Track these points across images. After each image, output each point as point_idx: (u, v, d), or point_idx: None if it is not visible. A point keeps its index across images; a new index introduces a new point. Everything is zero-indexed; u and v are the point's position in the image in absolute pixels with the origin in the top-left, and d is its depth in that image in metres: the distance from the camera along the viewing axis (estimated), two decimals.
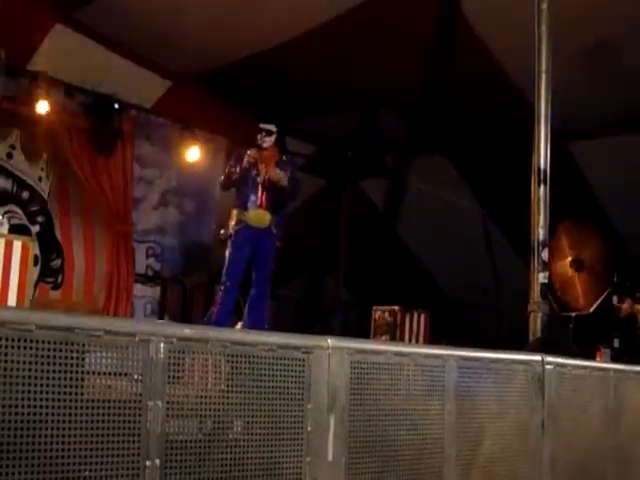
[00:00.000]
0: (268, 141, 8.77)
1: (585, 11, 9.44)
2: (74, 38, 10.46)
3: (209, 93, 12.26)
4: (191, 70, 11.68)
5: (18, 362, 3.17)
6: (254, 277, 8.76)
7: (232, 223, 8.70)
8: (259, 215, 8.64)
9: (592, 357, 9.25)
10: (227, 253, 8.67)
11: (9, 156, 10.82)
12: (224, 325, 8.15)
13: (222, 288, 8.67)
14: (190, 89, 12.03)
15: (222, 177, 9.11)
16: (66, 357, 3.31)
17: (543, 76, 7.74)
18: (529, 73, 7.85)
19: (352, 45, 10.78)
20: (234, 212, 8.73)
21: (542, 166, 7.67)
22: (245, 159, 8.64)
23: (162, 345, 3.65)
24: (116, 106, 11.44)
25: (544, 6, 7.74)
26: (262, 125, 8.78)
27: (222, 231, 8.82)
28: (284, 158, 8.98)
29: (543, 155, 7.68)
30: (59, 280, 11.40)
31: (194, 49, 11.08)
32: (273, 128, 8.78)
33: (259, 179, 8.68)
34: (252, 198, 8.67)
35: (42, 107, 10.46)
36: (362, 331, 12.38)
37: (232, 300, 8.69)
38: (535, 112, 7.74)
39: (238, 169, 8.72)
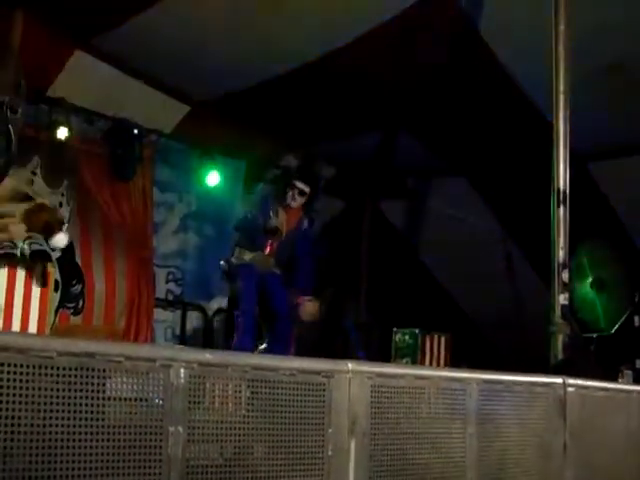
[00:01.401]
0: (299, 201, 8.56)
1: (602, 30, 9.43)
2: (93, 64, 10.53)
3: (228, 117, 12.29)
4: (210, 95, 11.72)
5: (39, 389, 3.18)
6: (275, 304, 8.71)
7: (236, 259, 8.59)
8: (265, 259, 8.57)
9: (614, 379, 9.19)
10: (238, 283, 8.61)
11: (30, 182, 10.86)
12: (246, 350, 8.12)
13: (239, 314, 8.63)
14: (209, 114, 12.08)
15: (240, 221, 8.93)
16: (87, 383, 3.32)
17: (561, 96, 7.73)
18: (548, 93, 7.84)
19: (370, 67, 10.80)
20: (238, 250, 8.61)
21: (561, 187, 7.65)
22: (272, 223, 8.46)
23: (183, 370, 3.66)
24: (135, 131, 11.50)
25: (561, 27, 7.75)
26: (298, 183, 8.56)
27: (222, 262, 8.72)
28: (305, 225, 8.81)
29: (562, 176, 7.67)
30: (80, 305, 11.42)
31: (212, 74, 11.12)
32: (307, 189, 8.61)
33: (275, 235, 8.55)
34: (260, 243, 8.54)
35: (62, 133, 10.53)
36: (383, 354, 12.34)
37: (252, 324, 8.63)
38: (554, 132, 7.73)
39: (260, 220, 8.54)
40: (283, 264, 8.73)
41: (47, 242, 7.02)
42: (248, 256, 8.46)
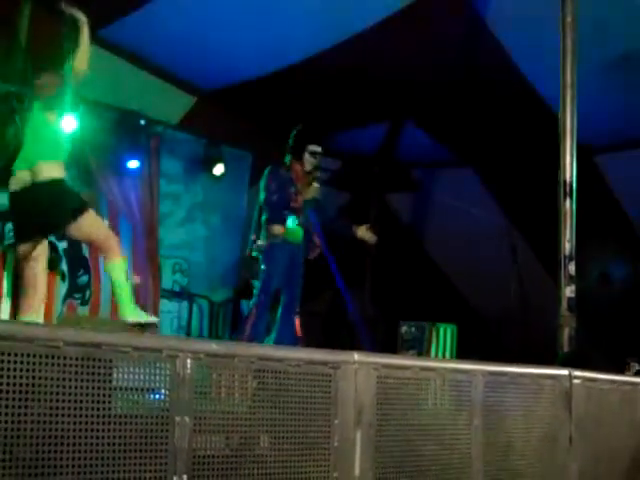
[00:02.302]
0: (312, 163, 8.68)
1: (610, 23, 9.41)
2: (100, 55, 10.52)
3: (234, 108, 12.29)
4: (216, 86, 11.72)
5: (46, 378, 3.18)
6: (286, 293, 8.71)
7: (269, 237, 8.62)
8: (297, 231, 8.61)
9: (621, 371, 9.19)
10: (262, 267, 8.60)
11: None
12: (258, 341, 8.12)
13: (256, 303, 8.62)
14: (215, 105, 12.07)
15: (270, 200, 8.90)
16: (93, 373, 3.33)
17: (568, 89, 7.71)
18: (555, 86, 7.82)
19: (377, 59, 10.79)
20: (273, 227, 8.63)
21: (568, 179, 7.64)
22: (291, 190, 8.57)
23: (189, 361, 3.66)
24: (142, 122, 11.50)
25: (569, 19, 7.72)
26: (312, 147, 8.61)
27: (260, 242, 8.71)
28: (313, 187, 8.91)
29: (569, 168, 7.65)
30: (86, 296, 11.44)
31: (220, 65, 11.12)
32: (319, 149, 8.69)
33: (299, 199, 8.64)
34: (291, 215, 8.61)
35: (69, 124, 10.52)
36: (389, 346, 12.34)
37: (266, 315, 8.64)
38: (560, 125, 7.71)
39: (279, 195, 8.62)
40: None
41: None
42: (283, 232, 8.48)
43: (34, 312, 6.27)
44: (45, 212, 6.27)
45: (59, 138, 6.53)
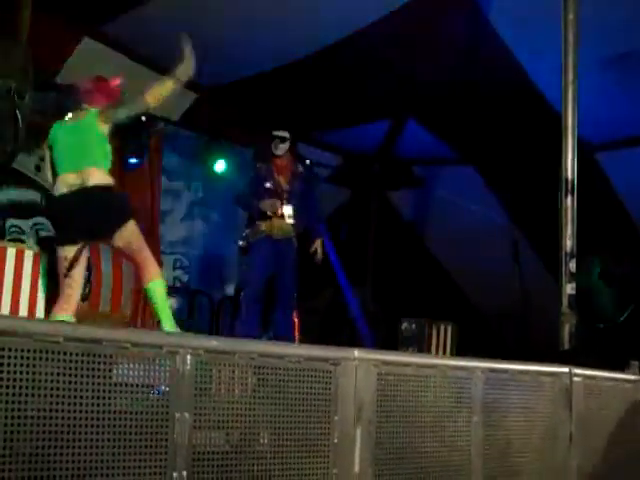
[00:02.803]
0: (282, 148, 8.78)
1: (612, 20, 9.40)
2: (102, 51, 10.52)
3: (235, 105, 12.29)
4: (217, 82, 11.71)
5: (46, 373, 3.18)
6: (280, 288, 8.73)
7: (253, 233, 8.69)
8: (282, 225, 8.64)
9: (621, 369, 9.18)
10: (248, 263, 8.68)
11: (37, 169, 10.87)
12: (251, 334, 8.15)
13: (244, 299, 8.68)
14: (216, 101, 12.07)
15: (240, 197, 9.10)
16: (93, 369, 3.33)
17: (570, 86, 7.71)
18: (557, 84, 7.83)
19: (379, 56, 10.79)
20: (252, 226, 8.72)
21: (569, 177, 7.64)
22: (256, 172, 8.71)
23: (189, 357, 3.66)
24: (143, 119, 11.49)
25: (571, 16, 7.72)
26: (275, 132, 8.79)
27: (241, 242, 8.79)
28: (299, 169, 9.02)
29: (570, 166, 7.66)
30: (86, 291, 11.43)
31: (221, 61, 11.11)
32: (286, 135, 8.79)
33: (279, 190, 8.71)
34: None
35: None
36: (389, 342, 12.34)
37: (256, 312, 8.67)
38: (562, 123, 7.71)
39: (258, 184, 8.75)
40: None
41: None
42: (263, 226, 8.53)
43: (71, 312, 6.39)
44: (93, 217, 6.41)
45: (107, 147, 6.62)
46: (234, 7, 9.85)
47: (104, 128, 6.57)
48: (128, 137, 11.41)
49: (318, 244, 8.93)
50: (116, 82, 7.01)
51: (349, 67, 10.99)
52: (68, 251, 6.35)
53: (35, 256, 8.47)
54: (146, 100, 6.76)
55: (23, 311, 8.23)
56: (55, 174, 6.56)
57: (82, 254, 6.49)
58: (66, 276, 6.40)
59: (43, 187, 10.97)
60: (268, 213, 8.59)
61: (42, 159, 10.84)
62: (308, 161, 11.49)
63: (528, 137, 12.05)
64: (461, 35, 10.58)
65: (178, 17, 9.95)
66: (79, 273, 6.51)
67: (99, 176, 6.40)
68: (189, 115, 12.11)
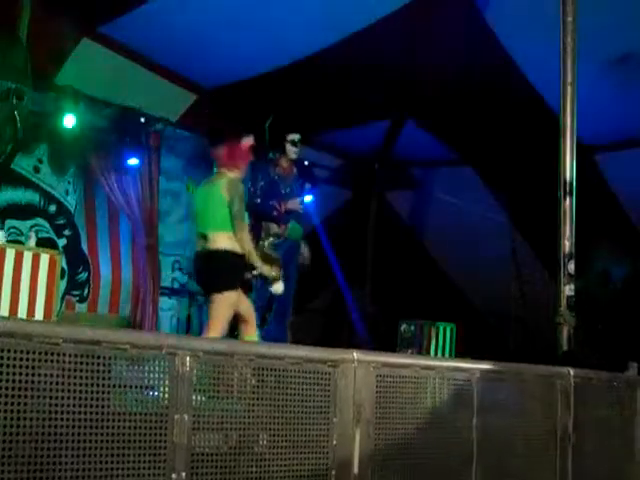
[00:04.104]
0: (296, 152, 8.79)
1: (611, 22, 9.40)
2: (101, 52, 10.52)
3: (234, 106, 12.29)
4: (216, 83, 11.72)
5: (45, 375, 3.18)
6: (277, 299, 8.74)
7: (270, 237, 8.68)
8: (296, 229, 8.68)
9: (620, 370, 9.19)
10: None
11: (36, 170, 10.87)
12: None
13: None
14: (216, 102, 12.07)
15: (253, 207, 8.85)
16: (92, 370, 3.33)
17: (568, 88, 7.71)
18: (555, 85, 7.82)
19: (377, 58, 10.79)
20: (271, 226, 8.69)
21: (568, 178, 7.64)
22: (292, 207, 8.66)
23: (188, 358, 3.66)
24: (142, 120, 11.49)
25: (569, 18, 7.72)
26: (291, 136, 8.75)
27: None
28: (294, 171, 9.00)
29: (569, 167, 7.65)
30: (85, 293, 11.44)
31: (220, 62, 11.11)
32: (297, 137, 8.80)
33: (282, 206, 8.70)
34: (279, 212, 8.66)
35: (69, 121, 10.51)
36: (388, 344, 12.35)
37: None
38: (560, 124, 7.71)
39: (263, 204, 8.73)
40: None
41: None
42: (284, 230, 8.57)
43: (253, 334, 7.27)
44: (205, 278, 7.21)
45: (234, 209, 7.05)
46: (233, 8, 9.85)
47: (231, 194, 7.02)
48: (126, 137, 11.41)
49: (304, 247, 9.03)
50: (247, 145, 7.38)
51: (348, 68, 10.98)
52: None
53: (51, 260, 8.50)
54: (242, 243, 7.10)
55: (39, 314, 8.25)
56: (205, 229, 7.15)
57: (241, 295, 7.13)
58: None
59: (42, 188, 10.97)
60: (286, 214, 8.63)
61: (40, 160, 10.89)
62: (307, 162, 11.47)
63: (527, 138, 12.04)
64: (459, 36, 10.58)
65: (176, 19, 9.97)
66: (244, 307, 7.20)
67: (221, 241, 6.96)
68: (188, 116, 12.11)
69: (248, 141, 7.35)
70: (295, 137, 8.77)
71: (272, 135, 8.88)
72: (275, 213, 8.66)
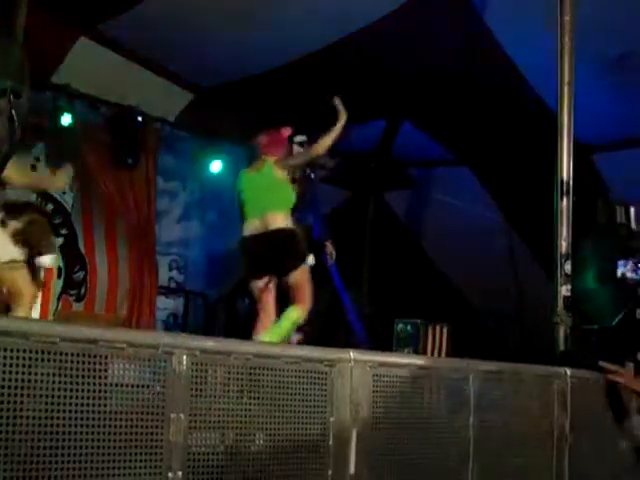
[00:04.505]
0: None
1: (609, 21, 9.41)
2: (98, 51, 10.52)
3: (231, 105, 12.29)
4: (214, 82, 11.72)
5: (42, 374, 3.18)
6: None
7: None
8: None
9: None
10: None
11: (33, 168, 10.87)
12: None
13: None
14: (213, 101, 12.07)
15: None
16: (89, 369, 3.33)
17: (566, 88, 7.70)
18: (553, 85, 7.83)
19: (374, 57, 10.79)
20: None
21: (565, 178, 7.64)
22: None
23: (185, 357, 3.66)
24: (139, 119, 11.49)
25: (567, 17, 7.72)
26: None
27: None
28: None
29: (566, 167, 7.65)
30: (82, 292, 11.44)
31: (216, 61, 11.12)
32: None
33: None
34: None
35: (66, 120, 10.52)
36: (385, 344, 12.35)
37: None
38: (558, 124, 7.71)
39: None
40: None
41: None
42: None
43: (267, 332, 7.23)
44: (276, 257, 7.35)
45: (287, 191, 7.52)
46: (230, 7, 9.85)
47: (282, 174, 7.46)
48: (124, 136, 11.41)
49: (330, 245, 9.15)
50: (287, 133, 7.85)
51: (344, 68, 10.98)
52: (256, 283, 7.31)
53: None
54: (316, 149, 7.66)
55: (35, 313, 8.23)
56: (243, 218, 7.49)
57: (269, 285, 7.39)
58: (258, 303, 7.38)
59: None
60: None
61: (38, 159, 10.89)
62: None
63: (524, 138, 12.05)
64: (457, 36, 10.59)
65: (174, 18, 9.97)
66: (268, 300, 7.42)
67: (279, 220, 7.29)
68: (185, 115, 12.12)
69: (286, 130, 7.83)
70: (302, 139, 8.81)
71: None
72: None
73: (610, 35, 9.66)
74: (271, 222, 7.28)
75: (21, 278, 6.57)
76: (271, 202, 7.36)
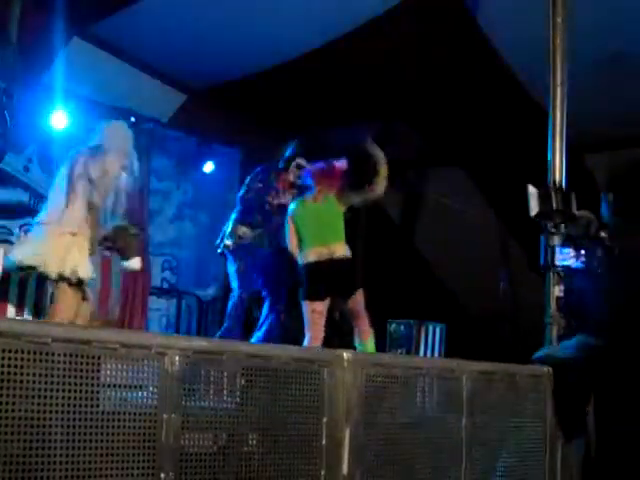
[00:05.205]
0: (297, 175, 8.85)
1: (602, 23, 9.42)
2: (91, 52, 10.50)
3: (225, 106, 12.28)
4: (207, 83, 11.71)
5: (34, 374, 3.18)
6: (270, 294, 8.80)
7: (237, 238, 8.76)
8: (261, 237, 8.73)
9: None
10: (237, 266, 8.72)
11: (26, 169, 10.84)
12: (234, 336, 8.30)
13: (235, 300, 8.75)
14: (206, 102, 12.06)
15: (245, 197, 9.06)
16: (82, 370, 3.32)
17: (558, 89, 7.73)
18: (545, 85, 7.84)
19: (367, 58, 10.79)
20: (239, 227, 8.77)
21: (557, 179, 7.65)
22: (282, 200, 8.72)
23: (177, 358, 3.65)
24: (132, 119, 11.47)
25: (559, 19, 7.74)
26: (299, 161, 8.84)
27: (227, 242, 8.85)
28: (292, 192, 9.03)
29: (558, 168, 7.67)
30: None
31: (210, 63, 11.11)
32: (304, 163, 8.85)
33: (274, 203, 8.76)
34: (263, 219, 8.72)
35: (59, 120, 10.49)
36: (378, 344, 12.33)
37: (238, 317, 8.77)
38: (550, 125, 7.73)
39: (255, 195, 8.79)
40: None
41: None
42: (249, 234, 8.68)
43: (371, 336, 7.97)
44: (340, 283, 7.89)
45: (343, 224, 7.98)
46: (224, 8, 9.85)
47: (342, 208, 7.92)
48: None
49: None
50: (342, 167, 8.06)
51: (338, 69, 10.98)
52: (317, 305, 7.74)
53: None
54: (375, 192, 7.92)
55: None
56: (301, 244, 7.84)
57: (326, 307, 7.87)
58: (312, 325, 7.77)
59: (32, 187, 10.94)
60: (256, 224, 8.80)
61: (30, 159, 10.86)
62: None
63: (517, 139, 12.06)
64: (451, 38, 10.59)
65: (167, 19, 9.97)
66: (320, 323, 7.86)
67: (341, 249, 7.80)
68: (178, 116, 12.10)
69: (343, 164, 8.04)
70: (302, 162, 8.84)
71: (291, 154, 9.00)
72: (267, 207, 8.78)
73: (602, 36, 9.67)
74: (336, 250, 7.74)
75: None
76: (335, 233, 7.83)
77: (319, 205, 7.93)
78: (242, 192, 8.98)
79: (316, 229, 7.89)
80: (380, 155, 8.01)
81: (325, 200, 7.90)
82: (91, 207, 6.95)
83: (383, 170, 7.93)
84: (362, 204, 8.41)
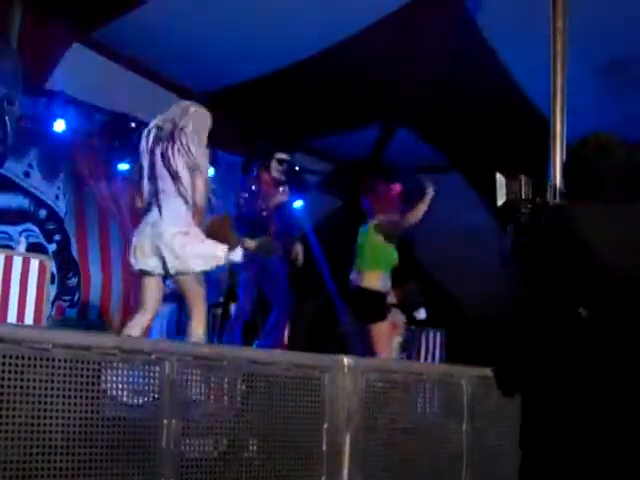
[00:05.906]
0: (280, 170, 8.80)
1: (603, 27, 9.41)
2: (92, 57, 10.50)
3: (225, 111, 12.27)
4: (208, 88, 11.71)
5: (35, 380, 3.17)
6: (275, 304, 8.78)
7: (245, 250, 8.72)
8: (269, 243, 8.64)
9: None
10: (243, 275, 8.69)
11: (26, 175, 10.85)
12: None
13: (236, 312, 8.75)
14: (207, 107, 12.04)
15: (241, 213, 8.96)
16: (82, 375, 3.32)
17: (558, 94, 7.71)
18: (546, 91, 7.83)
19: (369, 63, 10.79)
20: (245, 240, 8.70)
21: (557, 184, 7.64)
22: (278, 199, 8.68)
23: (178, 364, 3.65)
24: (133, 124, 11.46)
25: (559, 23, 7.72)
26: (280, 155, 8.77)
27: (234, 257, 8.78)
28: (281, 190, 8.98)
29: (558, 172, 7.66)
30: (76, 298, 11.41)
31: (211, 68, 11.11)
32: (287, 157, 8.80)
33: (269, 207, 8.69)
34: (260, 226, 8.65)
35: (59, 126, 10.49)
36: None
37: (242, 323, 8.75)
38: (550, 130, 7.71)
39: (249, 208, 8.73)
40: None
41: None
42: (251, 244, 8.51)
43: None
44: (358, 310, 8.37)
45: (383, 254, 8.50)
46: (224, 12, 9.85)
47: (380, 238, 8.44)
48: (117, 142, 11.38)
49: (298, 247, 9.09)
50: (397, 190, 8.73)
51: (338, 74, 10.98)
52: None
53: (41, 265, 8.48)
54: (409, 220, 8.59)
55: (29, 319, 8.21)
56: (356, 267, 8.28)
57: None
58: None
59: (32, 193, 10.95)
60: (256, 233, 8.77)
61: (30, 165, 10.87)
62: (297, 167, 11.46)
63: (516, 144, 12.05)
64: (451, 42, 10.59)
65: (167, 23, 9.97)
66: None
67: (371, 278, 8.24)
68: None
69: (396, 187, 8.63)
70: (283, 156, 8.79)
71: (262, 154, 8.94)
72: (264, 213, 8.71)
73: (603, 41, 9.67)
74: (366, 280, 8.21)
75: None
76: (370, 263, 8.34)
77: (364, 229, 8.42)
78: (235, 210, 8.90)
79: (359, 254, 8.42)
80: (428, 184, 8.52)
81: (372, 224, 8.37)
82: None
83: (427, 198, 8.47)
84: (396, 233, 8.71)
